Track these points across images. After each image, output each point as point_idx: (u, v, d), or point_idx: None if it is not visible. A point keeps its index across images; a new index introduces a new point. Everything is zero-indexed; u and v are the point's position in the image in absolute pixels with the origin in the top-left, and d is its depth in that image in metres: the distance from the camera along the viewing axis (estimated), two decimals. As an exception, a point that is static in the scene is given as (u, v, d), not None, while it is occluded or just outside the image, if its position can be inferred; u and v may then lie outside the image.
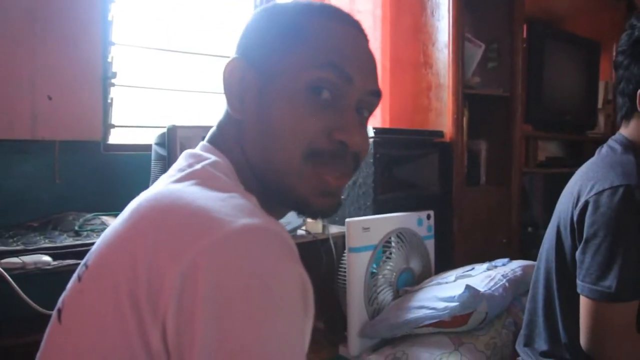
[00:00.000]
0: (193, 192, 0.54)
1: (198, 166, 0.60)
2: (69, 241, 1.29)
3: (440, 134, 2.11)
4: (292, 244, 0.52)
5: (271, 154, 0.62)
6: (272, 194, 0.64)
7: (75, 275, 0.59)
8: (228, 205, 0.51)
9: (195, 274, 0.45)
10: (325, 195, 0.63)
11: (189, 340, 0.45)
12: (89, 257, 0.58)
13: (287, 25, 0.63)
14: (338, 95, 0.62)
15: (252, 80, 0.63)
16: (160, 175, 0.64)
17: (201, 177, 0.58)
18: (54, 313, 0.59)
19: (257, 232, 0.49)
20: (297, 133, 0.60)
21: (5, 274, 1.06)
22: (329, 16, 0.64)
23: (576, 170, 1.17)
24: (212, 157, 0.61)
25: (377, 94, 0.66)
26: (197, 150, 0.65)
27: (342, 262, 1.75)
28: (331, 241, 1.75)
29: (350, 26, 0.65)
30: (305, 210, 0.65)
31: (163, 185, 0.59)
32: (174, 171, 0.61)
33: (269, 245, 0.49)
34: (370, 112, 0.68)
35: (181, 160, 0.63)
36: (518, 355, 1.26)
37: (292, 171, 0.61)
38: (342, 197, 2.01)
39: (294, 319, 0.48)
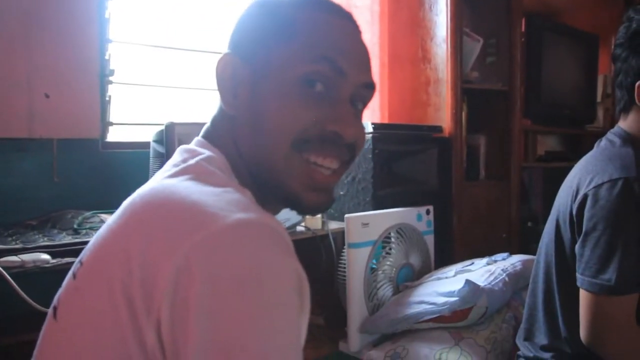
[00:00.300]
0: (187, 187, 0.54)
1: (192, 161, 0.59)
2: (68, 239, 1.29)
3: (439, 129, 2.10)
4: (287, 239, 0.51)
5: (262, 149, 0.62)
6: (265, 189, 0.64)
7: (70, 273, 0.59)
8: (222, 199, 0.51)
9: (189, 269, 0.45)
10: (316, 190, 0.63)
11: (183, 336, 0.44)
12: (84, 254, 0.58)
13: (279, 19, 0.63)
14: (331, 88, 0.62)
15: (245, 75, 0.63)
16: (158, 172, 0.64)
17: (195, 172, 0.57)
18: (50, 310, 0.59)
19: (252, 226, 0.48)
20: (288, 125, 0.60)
21: (4, 272, 1.06)
22: (321, 9, 0.64)
23: (575, 164, 1.17)
24: (207, 152, 0.61)
25: (370, 87, 0.66)
26: (192, 145, 0.64)
27: (341, 258, 1.75)
28: (330, 237, 1.74)
29: (343, 18, 0.65)
30: (296, 206, 0.64)
31: (157, 181, 0.58)
32: (168, 166, 0.61)
33: (264, 239, 0.49)
34: (365, 104, 0.68)
35: (176, 156, 0.63)
36: (518, 350, 1.26)
37: (280, 163, 0.61)
38: (342, 193, 1.99)
39: (289, 315, 0.48)
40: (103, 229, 0.57)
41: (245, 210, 0.50)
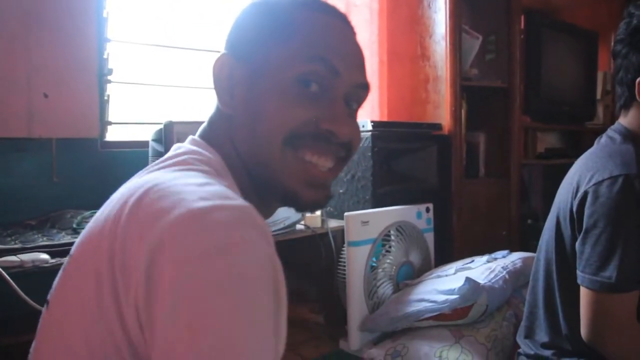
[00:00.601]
0: (173, 178, 0.54)
1: (184, 156, 0.61)
2: (67, 239, 1.29)
3: (438, 126, 2.10)
4: (266, 229, 0.50)
5: (259, 147, 0.62)
6: (264, 187, 0.65)
7: (62, 267, 0.60)
8: (204, 190, 0.51)
9: (162, 247, 0.45)
10: (313, 187, 0.64)
11: (156, 315, 0.45)
12: (73, 248, 0.59)
13: (275, 19, 0.64)
14: (326, 87, 0.63)
15: (241, 75, 0.64)
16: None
17: (183, 164, 0.59)
18: (45, 305, 0.59)
19: (229, 209, 0.48)
20: (282, 122, 0.61)
21: (4, 272, 1.06)
22: (318, 9, 0.65)
23: (575, 161, 1.17)
24: (201, 151, 0.62)
25: (365, 87, 0.67)
26: (186, 144, 0.65)
27: (341, 256, 1.74)
28: (330, 235, 1.74)
29: (337, 19, 0.66)
30: (294, 203, 0.65)
31: (145, 173, 0.60)
32: (158, 161, 0.63)
33: (238, 222, 0.48)
34: (359, 104, 0.69)
35: (169, 153, 0.64)
36: (519, 347, 1.26)
37: (276, 161, 0.62)
38: (341, 191, 1.98)
39: (257, 296, 0.46)
40: (91, 222, 0.58)
41: (224, 198, 0.50)
